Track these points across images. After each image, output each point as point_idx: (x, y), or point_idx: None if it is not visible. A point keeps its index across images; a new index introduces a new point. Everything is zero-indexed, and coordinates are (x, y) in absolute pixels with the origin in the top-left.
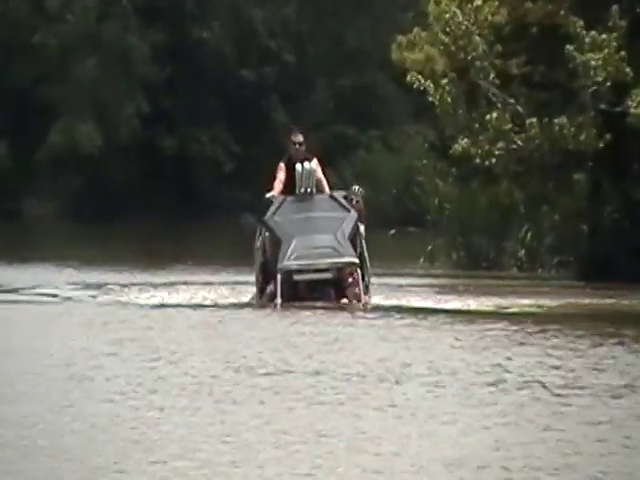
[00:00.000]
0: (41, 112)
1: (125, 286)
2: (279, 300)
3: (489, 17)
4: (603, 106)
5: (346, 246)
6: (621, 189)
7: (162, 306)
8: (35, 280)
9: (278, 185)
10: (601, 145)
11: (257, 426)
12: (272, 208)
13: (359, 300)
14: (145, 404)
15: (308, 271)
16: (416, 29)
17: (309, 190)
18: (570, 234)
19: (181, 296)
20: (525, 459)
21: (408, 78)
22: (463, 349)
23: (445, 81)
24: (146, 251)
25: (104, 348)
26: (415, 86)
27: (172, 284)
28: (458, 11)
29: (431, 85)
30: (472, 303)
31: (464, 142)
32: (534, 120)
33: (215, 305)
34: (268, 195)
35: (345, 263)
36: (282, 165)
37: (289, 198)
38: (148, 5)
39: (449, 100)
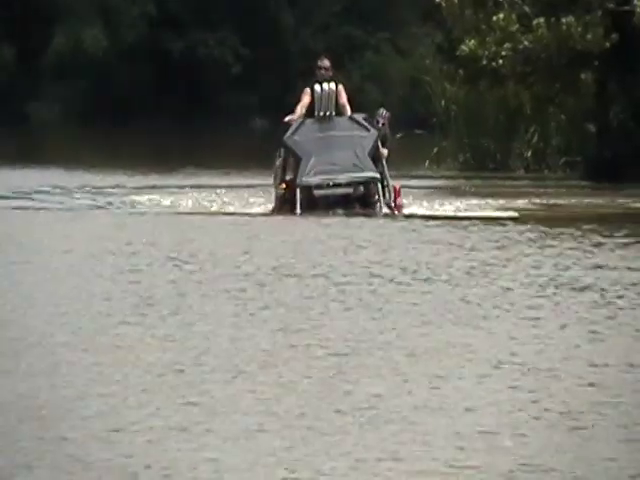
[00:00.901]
0: (46, 15)
1: (141, 190)
2: (299, 211)
3: None
4: (610, 5)
5: (366, 161)
6: (628, 89)
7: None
8: (47, 184)
9: (300, 109)
10: (608, 45)
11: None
12: (291, 129)
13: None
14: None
15: (328, 186)
16: None
17: (328, 113)
18: (577, 134)
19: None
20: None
21: None
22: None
23: None
24: (156, 154)
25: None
26: None
27: (185, 187)
28: None
29: None
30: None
31: (471, 43)
32: (541, 20)
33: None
34: (287, 118)
35: (365, 177)
36: (307, 90)
37: (308, 120)
38: None
39: (456, 1)
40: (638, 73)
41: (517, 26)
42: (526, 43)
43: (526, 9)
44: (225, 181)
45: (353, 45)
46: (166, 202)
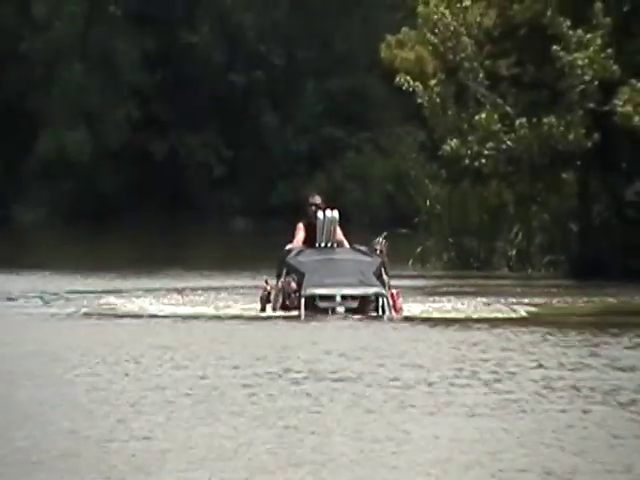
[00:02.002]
0: (30, 119)
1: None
2: (302, 317)
3: (478, 18)
4: (591, 105)
5: (372, 279)
6: (610, 188)
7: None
8: (31, 288)
9: (297, 242)
10: (589, 144)
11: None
12: (293, 252)
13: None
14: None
15: (333, 298)
16: (404, 28)
17: (329, 244)
18: (560, 234)
19: (200, 302)
20: None
21: (397, 79)
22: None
23: (434, 82)
24: (138, 256)
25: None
26: (404, 87)
27: (178, 290)
28: (447, 12)
29: (420, 86)
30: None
31: (453, 143)
32: (523, 120)
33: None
34: (288, 247)
35: (372, 293)
36: (301, 225)
37: (309, 249)
38: (137, 11)
39: (438, 101)
40: (620, 172)
41: (499, 126)
42: (508, 143)
43: (508, 109)
44: (211, 282)
45: (335, 145)
46: (153, 304)
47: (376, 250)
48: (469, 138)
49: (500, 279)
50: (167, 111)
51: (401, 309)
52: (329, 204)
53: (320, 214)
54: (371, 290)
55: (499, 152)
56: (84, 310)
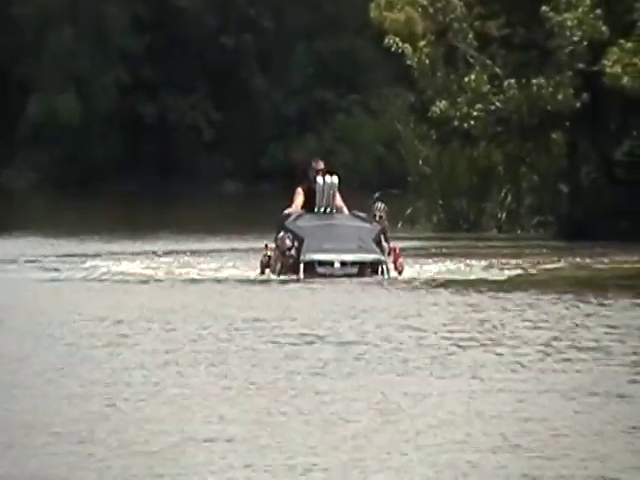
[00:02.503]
0: (20, 85)
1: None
2: (302, 275)
3: None
4: (580, 65)
5: (371, 245)
6: (599, 148)
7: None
8: (18, 252)
9: (295, 207)
10: (578, 105)
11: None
12: (292, 217)
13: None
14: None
15: (332, 264)
16: None
17: (328, 210)
18: (549, 194)
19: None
20: None
21: (386, 41)
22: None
23: (423, 43)
24: (129, 220)
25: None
26: (393, 49)
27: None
28: None
29: (409, 47)
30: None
31: (442, 104)
32: (512, 81)
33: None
34: (287, 211)
35: (371, 259)
36: (300, 190)
37: (308, 214)
38: None
39: (427, 62)
40: (608, 132)
41: (488, 87)
42: (497, 104)
43: (497, 70)
44: (202, 245)
45: (324, 108)
46: (153, 270)
47: (375, 216)
48: (458, 99)
49: (490, 240)
50: (157, 75)
51: (402, 267)
52: (329, 169)
53: (319, 179)
54: (370, 256)
55: (488, 113)
56: (68, 274)
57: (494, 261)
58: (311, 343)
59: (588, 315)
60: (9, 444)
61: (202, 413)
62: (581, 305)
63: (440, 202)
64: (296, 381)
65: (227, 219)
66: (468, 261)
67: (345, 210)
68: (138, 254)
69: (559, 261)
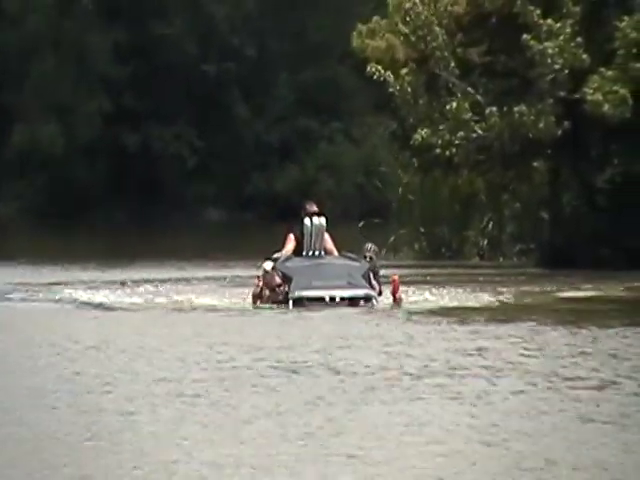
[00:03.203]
0: (4, 113)
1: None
2: (291, 307)
3: (449, 7)
4: (561, 93)
5: (361, 281)
6: (580, 176)
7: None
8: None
9: (287, 252)
10: (560, 132)
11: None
12: (281, 259)
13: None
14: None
15: (322, 301)
16: (376, 17)
17: (317, 252)
18: (531, 222)
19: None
20: None
21: (368, 69)
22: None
23: (405, 71)
24: (113, 249)
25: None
26: (375, 77)
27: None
28: (417, 1)
29: (391, 75)
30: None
31: (424, 132)
32: (494, 109)
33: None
34: (276, 255)
35: (362, 295)
36: (291, 236)
37: (297, 257)
38: (108, 3)
39: (409, 90)
40: (590, 160)
41: (470, 115)
42: (479, 131)
43: (479, 98)
44: (188, 274)
45: (307, 136)
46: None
47: (366, 257)
48: (440, 127)
49: (472, 268)
50: (139, 103)
51: (400, 298)
52: (318, 211)
53: (307, 221)
54: (361, 292)
55: (470, 141)
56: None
57: (479, 289)
58: (311, 371)
59: (585, 343)
60: None
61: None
62: (576, 333)
63: (422, 230)
64: (307, 409)
65: (213, 247)
66: (454, 289)
67: (335, 252)
68: (125, 282)
69: (545, 289)
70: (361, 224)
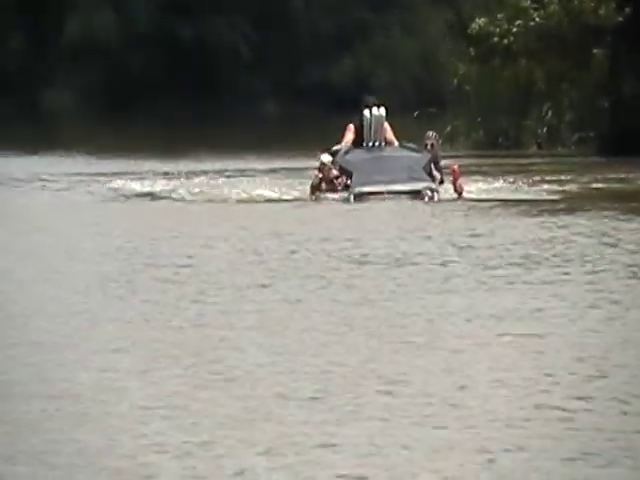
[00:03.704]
0: (57, 3)
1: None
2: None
3: None
4: None
5: (422, 174)
6: None
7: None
8: (55, 170)
9: (346, 143)
10: (620, 19)
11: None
12: (341, 152)
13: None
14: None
15: (382, 195)
16: None
17: (377, 143)
18: (590, 110)
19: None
20: None
21: None
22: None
23: None
24: (169, 140)
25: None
26: None
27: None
28: None
29: None
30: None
31: (482, 20)
32: None
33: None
34: (335, 147)
35: (423, 187)
36: (351, 126)
37: (357, 149)
38: None
39: None
40: None
41: (528, 2)
42: (538, 19)
43: None
44: (244, 165)
45: (363, 26)
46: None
47: (427, 145)
48: (498, 15)
49: (531, 157)
50: None
51: (462, 188)
52: (378, 102)
53: (366, 112)
54: (421, 185)
55: (528, 29)
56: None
57: (541, 178)
58: (382, 262)
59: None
60: None
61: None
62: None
63: (479, 119)
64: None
65: (268, 139)
66: (514, 179)
67: (395, 142)
68: (188, 173)
69: (608, 177)
70: (416, 114)
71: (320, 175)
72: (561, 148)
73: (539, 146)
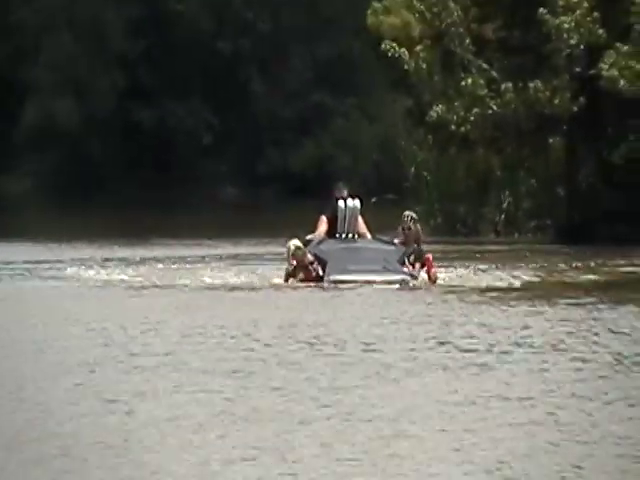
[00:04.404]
0: (18, 89)
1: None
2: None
3: None
4: (577, 69)
5: (396, 266)
6: (596, 152)
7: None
8: (22, 257)
9: (319, 234)
10: (575, 108)
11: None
12: (314, 242)
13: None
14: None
15: (358, 283)
16: None
17: (350, 235)
18: (547, 198)
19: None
20: None
21: (383, 46)
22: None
23: (420, 47)
24: (128, 226)
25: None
26: (390, 53)
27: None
28: None
29: (406, 52)
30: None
31: (440, 108)
32: (509, 85)
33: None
34: (309, 237)
35: (398, 280)
36: (324, 218)
37: (331, 239)
38: None
39: (424, 67)
40: (606, 136)
41: (485, 91)
42: (494, 108)
43: (494, 74)
44: (200, 251)
45: (323, 112)
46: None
47: (404, 228)
48: (455, 104)
49: (490, 244)
50: (154, 79)
51: (436, 277)
52: (352, 193)
53: (341, 203)
54: (396, 277)
55: (485, 117)
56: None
57: (504, 265)
58: (360, 348)
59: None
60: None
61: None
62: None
63: (438, 206)
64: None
65: (231, 224)
66: (474, 266)
67: (368, 235)
68: (141, 261)
69: (571, 265)
70: (374, 200)
71: (294, 263)
72: (518, 235)
73: (497, 233)
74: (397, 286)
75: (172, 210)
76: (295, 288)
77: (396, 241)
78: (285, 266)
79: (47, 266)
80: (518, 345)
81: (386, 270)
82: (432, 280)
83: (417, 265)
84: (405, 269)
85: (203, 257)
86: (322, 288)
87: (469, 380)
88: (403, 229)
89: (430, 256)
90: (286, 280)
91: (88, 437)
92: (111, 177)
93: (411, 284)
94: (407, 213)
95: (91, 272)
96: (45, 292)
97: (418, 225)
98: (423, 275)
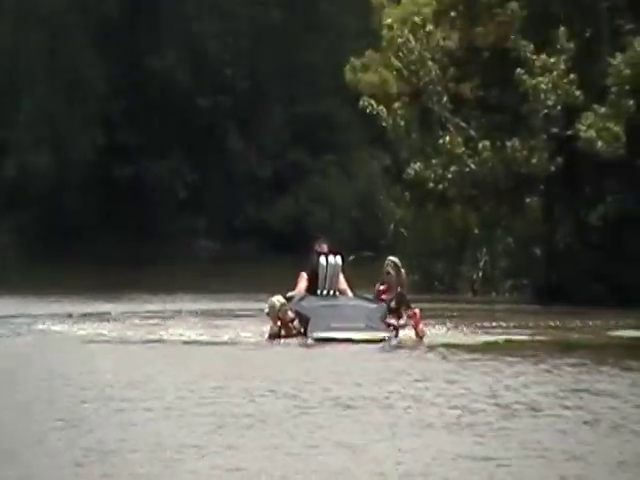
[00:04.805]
0: None
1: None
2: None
3: (441, 42)
4: (554, 130)
5: (379, 324)
6: (573, 212)
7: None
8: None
9: (299, 290)
10: (553, 169)
11: None
12: (295, 298)
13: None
14: None
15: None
16: (369, 51)
17: (331, 292)
18: (524, 258)
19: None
20: None
21: (361, 103)
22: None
23: (398, 105)
24: (105, 282)
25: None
26: (368, 111)
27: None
28: (411, 36)
29: (384, 109)
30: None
31: (417, 166)
32: (487, 143)
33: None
34: (290, 294)
35: (379, 338)
36: (304, 275)
37: (312, 296)
38: (101, 37)
39: (402, 124)
40: (583, 196)
41: (463, 149)
42: (472, 166)
43: (471, 132)
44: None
45: (300, 169)
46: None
47: (388, 272)
48: (433, 161)
49: (466, 303)
50: (132, 137)
51: (423, 333)
52: (333, 250)
53: (322, 259)
54: (379, 334)
55: (463, 175)
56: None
57: (479, 325)
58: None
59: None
60: None
61: None
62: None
63: (415, 264)
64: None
65: (207, 280)
66: (456, 324)
67: (349, 292)
68: (117, 316)
69: (544, 326)
70: (352, 257)
71: (279, 323)
72: (496, 294)
73: (474, 292)
74: (380, 345)
75: (149, 265)
76: (277, 345)
77: (381, 288)
78: (269, 324)
79: (20, 320)
80: (495, 405)
81: (369, 328)
82: (419, 336)
83: (402, 311)
84: (390, 321)
85: (179, 311)
86: (305, 345)
87: (440, 439)
88: (388, 273)
89: (418, 311)
90: (271, 338)
91: None
92: (88, 232)
93: (394, 342)
94: (390, 258)
95: (64, 326)
96: (20, 347)
97: (402, 270)
98: (409, 332)
